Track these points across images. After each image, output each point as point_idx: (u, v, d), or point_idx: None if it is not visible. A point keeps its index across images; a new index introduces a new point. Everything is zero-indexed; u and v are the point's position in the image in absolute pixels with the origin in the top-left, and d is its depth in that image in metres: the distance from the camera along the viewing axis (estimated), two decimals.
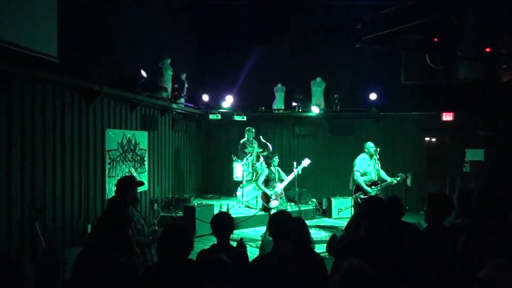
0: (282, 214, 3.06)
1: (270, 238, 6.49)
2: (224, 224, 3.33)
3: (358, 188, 7.29)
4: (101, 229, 2.91)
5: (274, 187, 6.87)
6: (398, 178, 7.31)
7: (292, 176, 6.92)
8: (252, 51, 10.78)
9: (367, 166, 7.32)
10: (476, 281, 1.94)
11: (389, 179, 7.37)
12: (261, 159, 9.33)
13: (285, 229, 2.84)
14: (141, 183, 4.33)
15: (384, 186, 7.44)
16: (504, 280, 1.86)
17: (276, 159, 7.01)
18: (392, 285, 2.59)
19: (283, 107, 11.10)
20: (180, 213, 8.47)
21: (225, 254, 2.53)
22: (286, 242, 2.79)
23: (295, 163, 7.28)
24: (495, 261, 1.98)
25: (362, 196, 7.12)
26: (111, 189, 6.73)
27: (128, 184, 4.12)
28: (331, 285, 2.08)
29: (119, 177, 5.26)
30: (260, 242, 6.61)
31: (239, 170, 9.70)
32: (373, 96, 10.18)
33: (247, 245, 4.24)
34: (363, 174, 7.30)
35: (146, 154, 8.21)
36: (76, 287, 2.68)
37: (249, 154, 9.56)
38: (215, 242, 3.30)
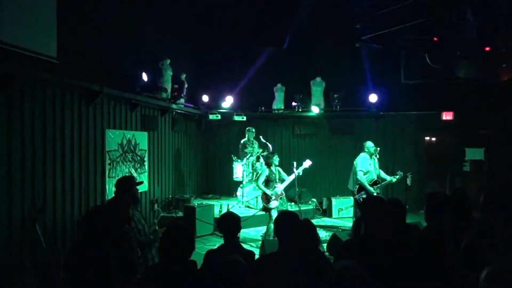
0: (289, 214, 3.07)
1: (271, 238, 6.52)
2: (231, 223, 3.36)
3: (361, 188, 7.29)
4: (97, 223, 2.90)
5: (275, 187, 6.86)
6: (397, 176, 7.32)
7: (292, 177, 6.91)
8: (252, 51, 10.78)
9: (368, 165, 7.33)
10: (479, 281, 1.93)
11: (388, 177, 7.39)
12: (261, 159, 9.33)
13: (292, 229, 2.84)
14: (140, 182, 4.35)
15: (384, 185, 7.45)
16: (506, 279, 1.86)
17: (276, 159, 7.00)
18: (391, 285, 2.59)
19: (283, 107, 11.10)
20: (180, 213, 8.48)
21: (237, 254, 2.53)
22: (292, 242, 2.79)
23: (295, 163, 7.28)
24: (498, 260, 1.97)
25: (364, 196, 7.12)
26: (111, 190, 6.73)
27: (127, 183, 4.13)
28: (322, 286, 2.07)
29: (119, 178, 5.26)
30: (260, 242, 6.62)
31: (239, 170, 9.70)
32: (373, 98, 10.18)
33: (247, 245, 4.25)
34: (364, 173, 7.30)
35: (146, 155, 8.21)
36: (69, 281, 2.67)
37: (249, 154, 9.55)
38: (218, 242, 3.31)
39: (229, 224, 3.39)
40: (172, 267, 2.51)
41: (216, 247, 3.55)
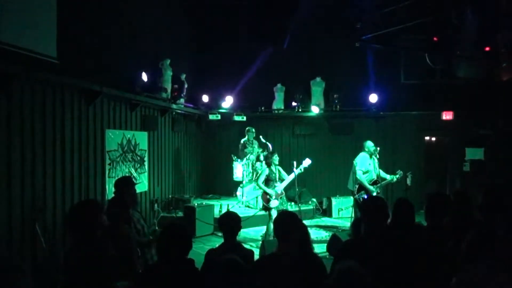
0: (288, 214, 3.07)
1: (271, 238, 6.52)
2: (232, 223, 3.38)
3: (361, 187, 7.29)
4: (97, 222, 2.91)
5: (275, 186, 6.87)
6: (397, 176, 7.31)
7: (292, 176, 6.92)
8: (252, 51, 10.78)
9: (368, 165, 7.34)
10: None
11: (388, 177, 7.38)
12: (262, 157, 9.33)
13: (291, 229, 2.85)
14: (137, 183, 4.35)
15: (384, 185, 7.45)
16: (478, 283, 1.86)
17: (276, 158, 7.01)
18: (390, 285, 2.59)
19: (283, 107, 11.10)
20: (180, 213, 8.47)
21: (235, 253, 2.54)
22: (292, 242, 2.80)
23: (295, 163, 7.28)
24: (467, 266, 1.97)
25: (364, 196, 7.12)
26: (111, 190, 6.72)
27: (124, 183, 4.14)
28: (324, 286, 2.08)
29: (117, 178, 5.27)
30: (260, 242, 6.62)
31: (239, 170, 9.70)
32: (373, 98, 10.18)
33: (247, 245, 4.26)
34: (364, 173, 7.31)
35: (146, 155, 8.21)
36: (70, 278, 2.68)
37: (249, 154, 9.56)
38: (218, 242, 3.33)
39: (229, 224, 3.40)
40: (170, 266, 2.52)
41: (216, 247, 3.56)
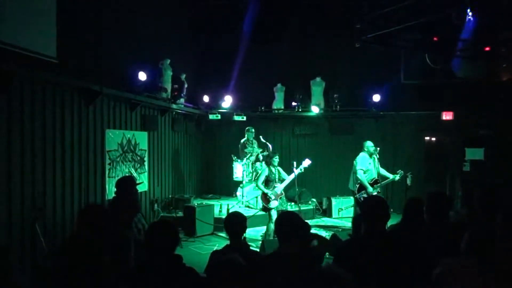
0: (290, 214, 3.06)
1: (271, 238, 6.50)
2: (237, 223, 3.36)
3: (362, 187, 7.30)
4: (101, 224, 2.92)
5: (274, 187, 6.86)
6: (398, 175, 7.34)
7: (292, 176, 6.92)
8: (252, 51, 10.78)
9: (368, 164, 7.35)
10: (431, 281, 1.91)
11: (390, 176, 7.41)
12: (261, 157, 9.34)
13: (293, 230, 2.84)
14: (140, 183, 4.36)
15: (385, 184, 7.47)
16: (455, 278, 1.84)
17: (276, 159, 7.01)
18: (390, 285, 2.59)
19: (282, 107, 11.10)
20: (180, 213, 8.47)
21: (239, 253, 2.53)
22: (292, 242, 2.79)
23: (295, 163, 7.28)
24: (446, 260, 1.96)
25: (364, 196, 7.14)
26: (111, 190, 6.73)
27: (125, 183, 4.14)
28: None
29: (119, 178, 5.27)
30: (260, 242, 6.62)
31: (239, 170, 9.70)
32: (376, 98, 10.18)
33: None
34: (364, 172, 7.32)
35: (146, 155, 8.21)
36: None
37: (249, 154, 9.56)
38: (218, 242, 3.32)
39: (234, 224, 3.38)
40: (157, 262, 2.51)
41: (221, 248, 3.54)
